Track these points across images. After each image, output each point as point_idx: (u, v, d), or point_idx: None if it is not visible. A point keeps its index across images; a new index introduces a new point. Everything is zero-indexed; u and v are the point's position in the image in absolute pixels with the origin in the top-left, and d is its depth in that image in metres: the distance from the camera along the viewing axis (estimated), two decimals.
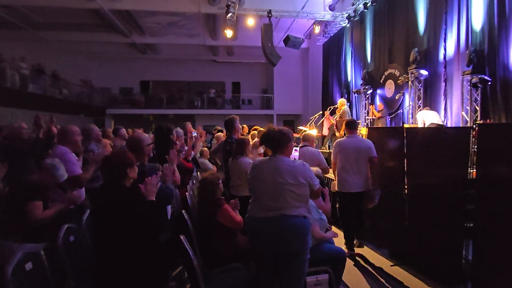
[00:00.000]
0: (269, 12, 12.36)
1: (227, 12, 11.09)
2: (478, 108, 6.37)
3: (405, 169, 3.62)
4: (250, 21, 12.68)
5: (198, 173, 5.40)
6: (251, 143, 7.09)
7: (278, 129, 2.48)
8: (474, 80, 6.09)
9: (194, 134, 4.83)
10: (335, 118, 8.14)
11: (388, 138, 3.90)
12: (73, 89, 17.30)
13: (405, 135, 3.54)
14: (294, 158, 2.55)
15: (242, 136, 4.58)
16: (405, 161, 3.60)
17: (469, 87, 6.46)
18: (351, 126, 4.09)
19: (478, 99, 6.37)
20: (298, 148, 3.86)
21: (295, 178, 2.30)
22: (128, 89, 22.33)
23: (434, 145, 3.29)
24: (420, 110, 7.73)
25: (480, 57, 6.28)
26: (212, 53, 21.18)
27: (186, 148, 4.42)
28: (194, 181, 4.90)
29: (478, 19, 6.38)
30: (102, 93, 21.11)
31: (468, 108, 6.49)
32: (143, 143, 2.48)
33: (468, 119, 6.45)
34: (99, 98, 20.57)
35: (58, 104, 14.68)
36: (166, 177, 2.46)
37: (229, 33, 12.65)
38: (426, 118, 6.62)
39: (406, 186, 3.66)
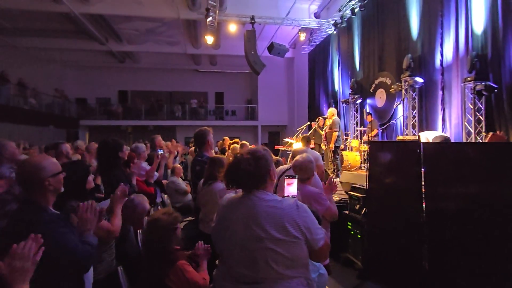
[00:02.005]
0: (252, 18, 11.75)
1: (206, 16, 10.37)
2: (482, 118, 5.76)
3: (423, 190, 2.84)
4: (232, 27, 12.01)
5: (166, 196, 4.52)
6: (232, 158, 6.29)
7: (249, 153, 1.60)
8: (479, 87, 5.49)
9: (160, 152, 3.96)
10: (324, 129, 7.44)
11: (397, 153, 3.17)
12: (43, 99, 16.10)
13: (422, 150, 2.80)
14: (288, 195, 1.72)
15: (218, 154, 3.74)
16: (423, 180, 2.84)
17: (471, 95, 5.86)
18: (307, 140, 5.26)
19: (482, 108, 5.77)
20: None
21: (282, 228, 1.44)
22: (105, 100, 21.27)
23: (468, 161, 2.55)
24: (415, 120, 7.15)
25: (483, 62, 5.70)
26: (194, 62, 20.46)
27: (143, 165, 3.55)
28: (159, 207, 4.03)
29: (479, 21, 5.83)
30: (77, 104, 19.95)
31: (471, 118, 5.88)
32: (42, 174, 1.49)
33: (472, 130, 5.83)
34: (73, 109, 19.39)
35: (24, 115, 13.50)
36: (85, 225, 1.56)
37: (209, 39, 11.92)
38: (429, 135, 6.00)
39: (424, 212, 2.86)
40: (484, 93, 5.44)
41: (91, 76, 20.73)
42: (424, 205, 2.85)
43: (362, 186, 3.81)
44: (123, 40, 16.29)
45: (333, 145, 7.08)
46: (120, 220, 2.04)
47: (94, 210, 1.59)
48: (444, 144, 4.13)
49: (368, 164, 3.46)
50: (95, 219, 1.60)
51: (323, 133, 7.54)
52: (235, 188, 1.60)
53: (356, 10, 9.69)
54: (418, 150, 2.84)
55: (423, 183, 2.87)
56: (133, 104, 21.03)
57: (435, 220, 2.81)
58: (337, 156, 7.21)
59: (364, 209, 3.54)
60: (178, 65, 20.74)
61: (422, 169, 2.85)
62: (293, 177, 1.79)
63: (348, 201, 3.94)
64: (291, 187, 1.77)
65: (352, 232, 3.84)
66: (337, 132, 7.05)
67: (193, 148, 6.33)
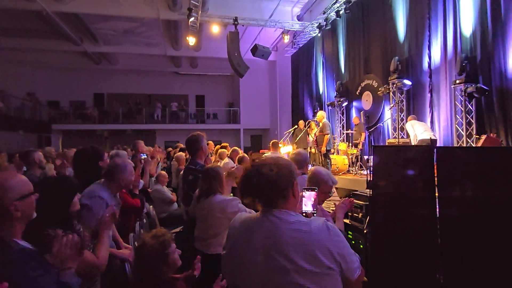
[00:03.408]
0: (235, 19, 11.49)
1: (188, 17, 10.02)
2: (473, 121, 5.74)
3: (436, 198, 2.65)
4: (215, 28, 11.71)
5: (151, 206, 4.15)
6: (220, 164, 5.96)
7: (271, 159, 1.32)
8: (470, 89, 5.46)
9: (143, 156, 3.61)
10: (314, 132, 7.26)
11: (405, 158, 2.98)
12: (12, 102, 15.16)
13: (435, 155, 2.62)
14: (307, 215, 1.46)
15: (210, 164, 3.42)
16: (436, 187, 2.65)
17: (461, 97, 5.83)
18: (275, 145, 6.11)
19: (473, 110, 5.75)
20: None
21: (312, 258, 1.18)
22: (79, 103, 20.36)
23: (487, 166, 2.37)
24: (407, 120, 7.14)
25: (473, 64, 5.70)
26: (174, 64, 19.97)
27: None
28: (145, 220, 3.67)
29: (468, 23, 5.83)
30: (50, 107, 18.96)
31: (462, 120, 5.85)
32: (7, 197, 1.14)
33: (463, 133, 5.79)
34: (45, 113, 18.41)
35: None
36: (64, 263, 1.20)
37: (191, 40, 11.56)
38: (417, 130, 5.94)
39: (438, 220, 2.67)
40: (475, 95, 5.41)
41: (64, 78, 19.81)
42: (438, 213, 2.67)
43: (363, 193, 3.60)
44: (99, 41, 15.62)
45: (325, 148, 6.88)
46: (108, 250, 1.69)
47: (76, 244, 1.25)
48: (460, 148, 3.99)
49: (371, 170, 3.26)
50: (76, 255, 1.25)
51: (313, 137, 7.35)
52: (252, 200, 1.30)
53: (341, 12, 9.62)
54: (431, 155, 2.66)
55: (436, 189, 2.68)
56: (110, 107, 20.24)
57: (450, 229, 2.62)
58: (328, 160, 7.03)
59: (368, 217, 3.34)
60: (157, 67, 20.17)
61: (435, 175, 2.67)
62: (312, 189, 1.52)
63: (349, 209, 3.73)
64: (309, 204, 1.49)
65: (353, 242, 3.62)
66: (329, 135, 6.88)
67: (181, 153, 6.00)
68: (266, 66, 18.89)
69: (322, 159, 6.93)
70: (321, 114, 7.26)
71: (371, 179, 3.26)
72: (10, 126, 13.77)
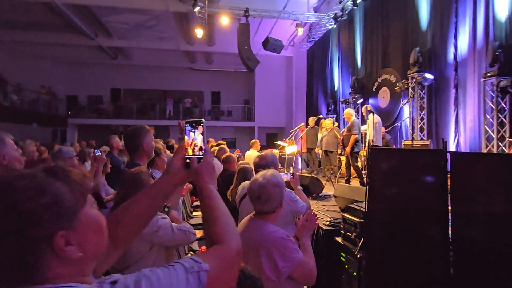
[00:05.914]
0: (246, 10, 10.87)
1: (194, 6, 9.51)
2: (506, 121, 4.84)
3: (449, 214, 1.95)
4: (224, 20, 11.13)
5: None
6: None
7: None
8: (503, 83, 4.59)
9: (97, 153, 3.07)
10: (341, 132, 6.56)
11: (410, 165, 2.28)
12: (26, 95, 15.26)
13: (449, 162, 1.92)
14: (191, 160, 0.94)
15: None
16: (450, 201, 1.96)
17: (492, 93, 4.95)
18: (253, 145, 6.32)
19: (506, 108, 4.86)
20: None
21: None
22: (97, 97, 20.44)
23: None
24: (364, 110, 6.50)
25: (508, 54, 4.80)
26: (189, 60, 19.62)
27: None
28: None
29: (503, 5, 4.93)
30: (67, 101, 19.12)
31: (492, 120, 4.96)
32: None
33: (493, 135, 4.91)
34: (62, 107, 18.55)
35: (3, 111, 12.62)
36: None
37: (199, 32, 11.06)
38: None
39: (450, 244, 1.97)
40: (510, 90, 4.53)
41: (82, 73, 19.95)
42: (451, 233, 1.96)
43: (359, 206, 2.90)
44: (112, 35, 15.46)
45: (350, 149, 6.12)
46: None
47: None
48: (480, 154, 3.21)
49: (367, 178, 2.56)
50: None
51: (340, 136, 6.62)
52: None
53: (359, 1, 8.79)
54: (442, 162, 1.95)
55: (449, 204, 1.98)
56: (126, 103, 20.19)
57: (467, 254, 1.91)
58: (356, 164, 6.24)
59: (362, 239, 2.64)
60: (173, 63, 19.92)
61: (449, 187, 1.97)
62: (198, 122, 0.98)
63: (342, 226, 3.04)
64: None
65: (346, 266, 2.94)
66: (357, 136, 6.11)
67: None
68: (283, 62, 18.19)
69: (341, 163, 6.14)
70: (348, 112, 6.48)
71: (367, 190, 2.56)
72: (23, 119, 13.82)
